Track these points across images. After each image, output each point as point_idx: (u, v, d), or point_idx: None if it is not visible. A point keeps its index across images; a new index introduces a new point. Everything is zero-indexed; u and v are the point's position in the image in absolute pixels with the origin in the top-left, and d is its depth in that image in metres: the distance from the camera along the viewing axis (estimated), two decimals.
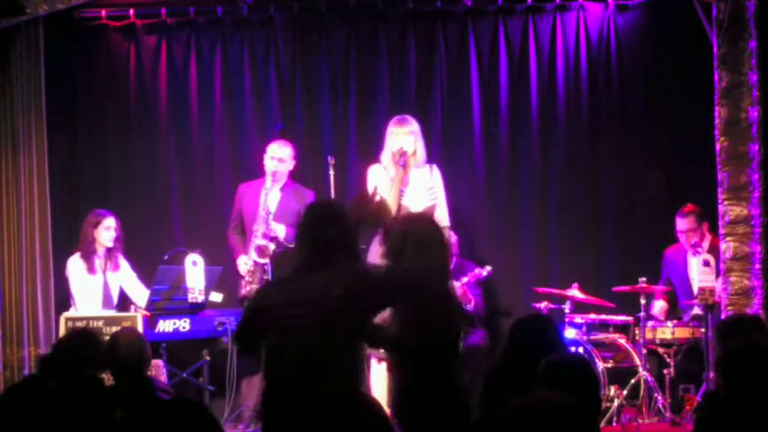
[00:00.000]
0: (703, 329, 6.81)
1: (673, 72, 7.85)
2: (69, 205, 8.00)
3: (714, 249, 7.06)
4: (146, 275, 7.35)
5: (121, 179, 8.17)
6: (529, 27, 8.00)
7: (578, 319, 7.32)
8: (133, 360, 5.04)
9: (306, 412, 2.60)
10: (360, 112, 8.10)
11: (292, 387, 4.15)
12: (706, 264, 6.85)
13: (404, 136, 6.83)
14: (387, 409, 3.68)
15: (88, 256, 7.39)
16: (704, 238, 7.36)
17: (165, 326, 6.97)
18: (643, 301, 7.07)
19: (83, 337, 4.86)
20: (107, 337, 5.44)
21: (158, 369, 6.62)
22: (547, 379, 3.56)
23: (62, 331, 6.72)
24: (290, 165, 7.47)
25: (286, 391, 4.19)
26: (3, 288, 7.38)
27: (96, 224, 7.42)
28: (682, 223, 7.41)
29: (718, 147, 6.87)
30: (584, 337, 7.20)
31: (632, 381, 6.99)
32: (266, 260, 7.13)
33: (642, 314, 7.06)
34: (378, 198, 5.12)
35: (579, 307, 7.38)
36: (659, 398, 6.92)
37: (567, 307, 7.28)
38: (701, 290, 6.80)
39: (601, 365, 6.96)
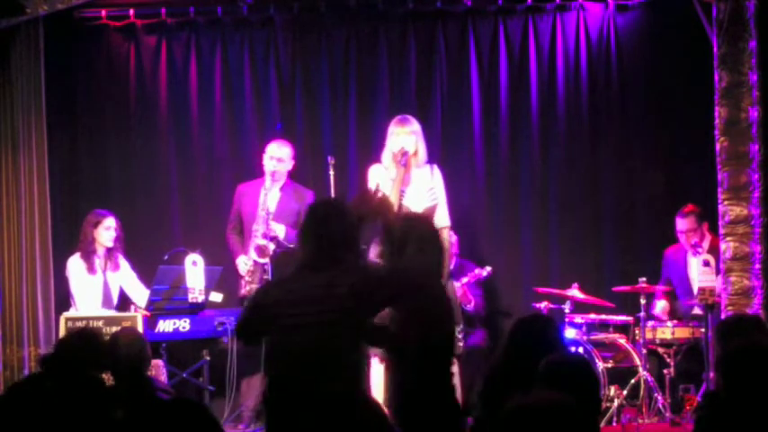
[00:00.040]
0: (703, 329, 6.82)
1: (673, 72, 7.85)
2: (69, 205, 8.00)
3: (714, 249, 7.06)
4: (146, 275, 7.35)
5: (121, 179, 8.17)
6: (529, 27, 8.00)
7: (578, 319, 7.32)
8: (133, 360, 5.04)
9: (309, 412, 2.60)
10: (360, 112, 8.10)
11: (295, 386, 4.13)
12: (706, 264, 6.85)
13: (405, 136, 6.82)
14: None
15: (88, 256, 7.39)
16: (704, 239, 7.36)
17: (165, 326, 6.96)
18: (643, 301, 7.07)
19: (83, 337, 4.85)
20: (107, 337, 5.44)
21: (158, 369, 6.62)
22: (547, 379, 3.56)
23: (62, 331, 6.72)
24: (289, 165, 7.47)
25: (288, 391, 4.17)
26: (3, 288, 7.38)
27: (96, 224, 7.42)
28: (682, 223, 7.41)
29: (718, 147, 6.87)
30: (585, 337, 7.20)
31: (632, 381, 6.99)
32: (266, 260, 7.12)
33: (642, 314, 7.06)
34: (380, 195, 5.11)
35: (579, 307, 7.38)
36: (659, 398, 6.92)
37: (567, 307, 7.28)
38: (701, 290, 6.80)
39: (601, 365, 6.96)
